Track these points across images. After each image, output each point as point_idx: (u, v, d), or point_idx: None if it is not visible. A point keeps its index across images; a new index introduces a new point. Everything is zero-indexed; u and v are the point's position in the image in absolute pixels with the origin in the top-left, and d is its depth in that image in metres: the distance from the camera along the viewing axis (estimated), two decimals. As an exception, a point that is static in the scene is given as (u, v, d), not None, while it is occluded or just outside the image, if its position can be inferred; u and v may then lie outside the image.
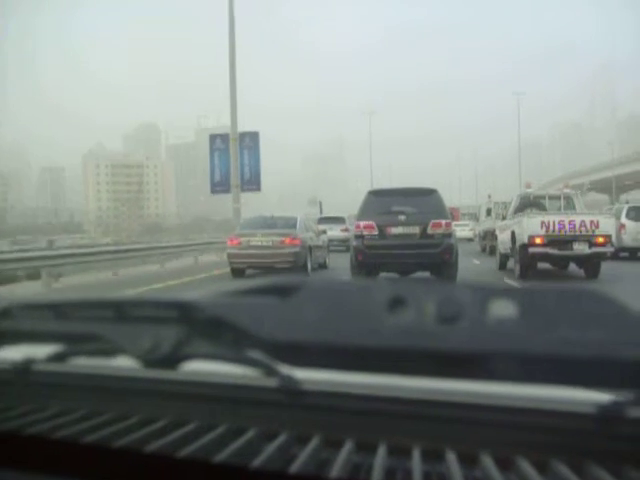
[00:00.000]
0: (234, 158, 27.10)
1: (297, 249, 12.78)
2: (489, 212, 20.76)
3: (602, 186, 67.66)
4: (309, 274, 12.90)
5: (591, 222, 10.82)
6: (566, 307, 0.60)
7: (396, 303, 0.61)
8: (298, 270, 12.72)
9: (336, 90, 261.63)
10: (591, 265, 11.11)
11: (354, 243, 9.87)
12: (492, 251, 17.31)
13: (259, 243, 12.84)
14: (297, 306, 0.65)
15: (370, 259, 9.57)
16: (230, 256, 13.10)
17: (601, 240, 10.70)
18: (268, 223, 13.67)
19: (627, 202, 20.69)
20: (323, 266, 14.76)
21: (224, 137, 30.17)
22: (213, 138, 32.24)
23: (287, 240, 12.74)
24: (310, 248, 13.42)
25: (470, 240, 28.15)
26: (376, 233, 9.62)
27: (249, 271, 13.39)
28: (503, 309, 0.60)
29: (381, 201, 9.86)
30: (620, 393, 0.57)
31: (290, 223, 13.59)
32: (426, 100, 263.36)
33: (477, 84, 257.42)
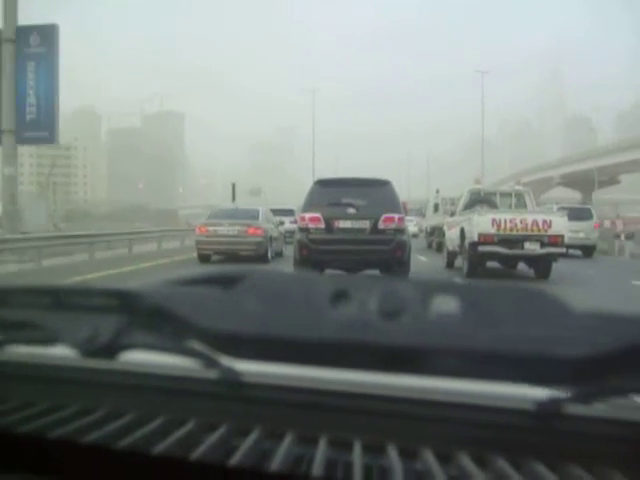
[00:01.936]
0: (7, 78, 15.53)
1: (260, 238, 14.66)
2: (437, 207, 21.09)
3: (572, 181, 66.78)
4: (269, 261, 14.72)
5: (544, 221, 11.03)
6: (508, 304, 0.63)
7: (339, 296, 0.63)
8: (260, 258, 14.45)
9: (288, 80, 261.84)
10: (542, 265, 11.36)
11: (298, 236, 9.59)
12: (439, 247, 17.68)
13: (225, 232, 14.64)
14: (239, 297, 0.66)
15: (315, 254, 9.32)
16: (198, 243, 15.00)
17: (553, 240, 10.91)
18: (233, 214, 15.76)
19: (556, 203, 22.34)
20: (280, 254, 16.47)
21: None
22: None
23: (251, 230, 14.62)
24: (271, 238, 15.28)
25: (415, 236, 28.55)
26: (322, 226, 9.37)
27: (214, 257, 15.16)
28: (446, 305, 0.62)
29: (329, 192, 9.59)
30: (559, 390, 0.60)
31: (253, 214, 15.52)
32: (378, 99, 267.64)
33: (430, 84, 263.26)
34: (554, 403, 0.60)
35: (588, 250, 17.79)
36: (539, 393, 0.60)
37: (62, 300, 0.74)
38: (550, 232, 10.96)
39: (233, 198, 26.97)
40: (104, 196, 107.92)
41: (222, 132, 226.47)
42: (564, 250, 11.33)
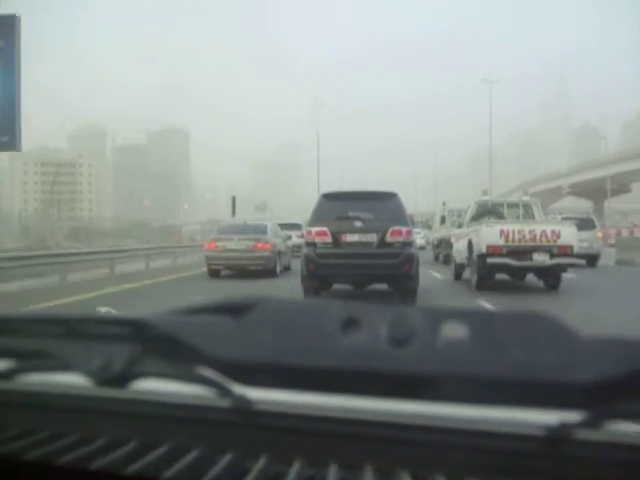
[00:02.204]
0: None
1: (268, 253, 15.03)
2: (443, 220, 21.12)
3: (582, 190, 65.44)
4: (278, 275, 14.99)
5: (552, 232, 10.96)
6: (515, 330, 0.64)
7: (350, 324, 0.64)
8: (268, 272, 14.75)
9: (293, 97, 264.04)
10: (552, 276, 11.28)
11: (305, 251, 9.51)
12: (446, 260, 17.67)
13: (234, 247, 14.93)
14: (251, 325, 0.67)
15: (322, 269, 9.24)
16: (208, 258, 15.31)
17: (563, 250, 10.84)
18: (242, 229, 15.98)
19: (560, 213, 22.92)
20: (287, 268, 16.60)
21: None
22: None
23: (259, 245, 14.98)
24: (279, 252, 15.64)
25: (422, 248, 28.59)
26: (329, 241, 9.28)
27: (224, 272, 15.40)
28: (454, 331, 0.63)
29: (335, 205, 9.52)
30: (567, 415, 0.60)
31: (261, 229, 15.92)
32: (384, 113, 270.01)
33: (436, 97, 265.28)
34: (563, 428, 0.60)
35: (592, 259, 18.07)
36: (548, 418, 0.61)
37: (75, 329, 0.75)
38: (559, 242, 10.87)
39: (233, 212, 26.27)
40: (109, 213, 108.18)
41: (227, 149, 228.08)
42: (574, 260, 11.24)
